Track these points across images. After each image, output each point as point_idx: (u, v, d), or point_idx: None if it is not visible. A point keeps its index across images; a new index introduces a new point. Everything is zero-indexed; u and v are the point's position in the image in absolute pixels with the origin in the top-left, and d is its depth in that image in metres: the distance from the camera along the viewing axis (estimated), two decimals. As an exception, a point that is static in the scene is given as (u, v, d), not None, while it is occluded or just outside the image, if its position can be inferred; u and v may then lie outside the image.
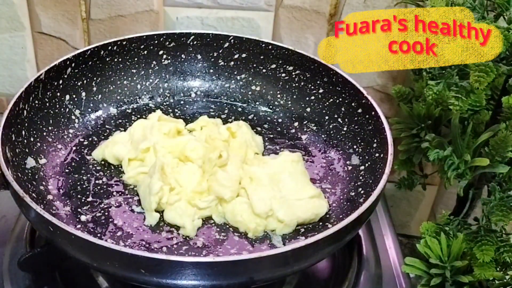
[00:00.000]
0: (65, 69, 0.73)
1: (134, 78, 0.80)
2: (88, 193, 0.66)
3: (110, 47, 0.76)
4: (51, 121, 0.71)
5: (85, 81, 0.75)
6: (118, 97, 0.79)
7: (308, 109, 0.78)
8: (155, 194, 0.62)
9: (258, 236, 0.62)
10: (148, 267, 0.51)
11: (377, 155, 0.67)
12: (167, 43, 0.79)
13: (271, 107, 0.80)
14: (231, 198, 0.63)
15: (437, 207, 0.99)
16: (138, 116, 0.77)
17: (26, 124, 0.67)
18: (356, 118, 0.73)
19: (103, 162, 0.70)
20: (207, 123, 0.74)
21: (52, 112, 0.72)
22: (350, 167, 0.71)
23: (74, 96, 0.75)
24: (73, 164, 0.70)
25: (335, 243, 0.56)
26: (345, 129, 0.74)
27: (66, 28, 0.85)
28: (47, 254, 0.61)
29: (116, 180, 0.68)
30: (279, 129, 0.78)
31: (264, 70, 0.80)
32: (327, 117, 0.76)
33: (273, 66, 0.80)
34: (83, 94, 0.76)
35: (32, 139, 0.68)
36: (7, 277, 0.65)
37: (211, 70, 0.82)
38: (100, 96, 0.77)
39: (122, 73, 0.79)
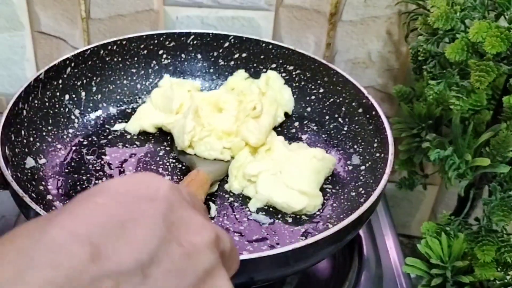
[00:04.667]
0: (64, 68, 0.73)
1: (134, 78, 0.79)
2: (87, 193, 0.66)
3: (110, 47, 0.76)
4: (50, 121, 0.71)
5: (84, 81, 0.75)
6: (118, 97, 0.79)
7: (309, 109, 0.78)
8: (188, 133, 0.66)
9: (237, 193, 0.67)
10: (148, 268, 0.50)
11: (377, 155, 0.67)
12: (167, 42, 0.79)
13: (271, 106, 0.80)
14: (255, 144, 0.68)
15: (438, 207, 0.98)
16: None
17: (25, 124, 0.67)
18: (356, 118, 0.72)
19: (103, 163, 0.70)
20: (237, 83, 0.77)
21: (51, 112, 0.72)
22: (350, 167, 0.71)
23: (73, 95, 0.74)
24: (72, 164, 0.69)
25: (335, 243, 0.56)
26: (345, 129, 0.74)
27: (66, 27, 0.85)
28: (46, 254, 0.61)
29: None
30: (279, 129, 0.77)
31: (264, 70, 0.80)
32: (327, 117, 0.76)
33: (273, 65, 0.79)
34: (83, 93, 0.75)
35: (31, 139, 0.68)
36: (6, 277, 0.65)
37: (211, 70, 0.82)
38: (99, 95, 0.77)
39: (122, 73, 0.79)
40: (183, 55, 0.81)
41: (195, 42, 0.80)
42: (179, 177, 0.68)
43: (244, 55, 0.80)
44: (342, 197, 0.67)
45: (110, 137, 0.74)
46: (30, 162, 0.66)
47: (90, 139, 0.73)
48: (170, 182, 0.34)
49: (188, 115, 0.68)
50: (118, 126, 0.75)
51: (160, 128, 0.75)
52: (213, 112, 0.71)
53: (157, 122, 0.74)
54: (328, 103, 0.76)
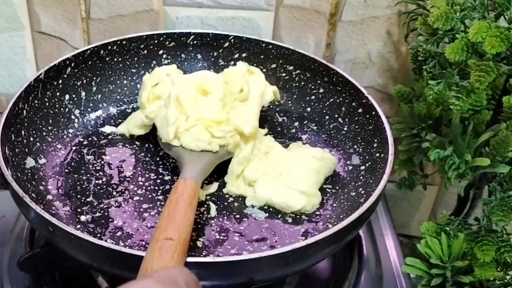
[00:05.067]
0: (64, 68, 0.73)
1: (134, 78, 0.80)
2: (88, 193, 0.66)
3: (110, 47, 0.76)
4: (50, 121, 0.71)
5: (84, 81, 0.75)
6: (118, 97, 0.79)
7: (309, 109, 0.78)
8: (172, 124, 0.63)
9: (234, 195, 0.66)
10: (148, 268, 0.50)
11: (377, 155, 0.67)
12: (167, 42, 0.79)
13: (271, 107, 0.80)
14: (250, 134, 0.64)
15: (438, 207, 0.98)
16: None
17: (25, 124, 0.67)
18: (356, 118, 0.72)
19: (103, 163, 0.70)
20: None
21: (51, 112, 0.72)
22: (350, 167, 0.71)
23: (73, 95, 0.74)
24: (72, 164, 0.69)
25: (335, 243, 0.56)
26: (345, 129, 0.74)
27: (66, 27, 0.85)
28: (47, 254, 0.61)
29: (116, 181, 0.68)
30: (279, 129, 0.77)
31: (264, 70, 0.80)
32: (327, 117, 0.76)
33: (273, 65, 0.79)
34: (83, 93, 0.75)
35: (31, 139, 0.68)
36: (6, 278, 0.65)
37: (211, 70, 0.81)
38: (100, 95, 0.77)
39: (122, 73, 0.79)
40: (183, 55, 0.81)
41: (195, 42, 0.80)
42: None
43: (244, 55, 0.80)
44: (342, 197, 0.67)
45: (110, 137, 0.74)
46: (30, 162, 0.66)
47: (90, 139, 0.73)
48: None
49: (169, 105, 0.64)
50: (108, 129, 0.75)
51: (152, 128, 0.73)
52: (197, 96, 0.66)
53: (139, 122, 0.71)
54: (328, 103, 0.76)
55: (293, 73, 0.79)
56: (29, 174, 0.65)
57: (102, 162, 0.70)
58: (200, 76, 0.69)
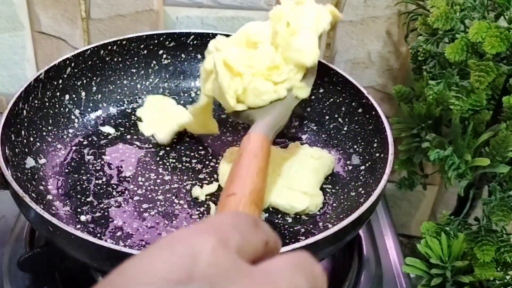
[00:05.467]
0: (64, 68, 0.73)
1: (134, 78, 0.80)
2: (88, 193, 0.66)
3: (110, 47, 0.76)
4: (50, 121, 0.71)
5: (84, 81, 0.75)
6: (118, 97, 0.79)
7: (308, 109, 0.78)
8: (227, 91, 0.59)
9: None
10: (148, 267, 0.50)
11: (377, 155, 0.67)
12: (167, 42, 0.79)
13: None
14: (313, 63, 0.60)
15: (438, 207, 0.98)
16: (138, 116, 0.77)
17: (25, 124, 0.67)
18: (356, 118, 0.72)
19: (103, 163, 0.70)
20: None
21: (51, 112, 0.72)
22: (350, 167, 0.71)
23: (73, 95, 0.74)
24: (72, 164, 0.69)
25: (335, 243, 0.56)
26: (345, 128, 0.74)
27: (66, 27, 0.85)
28: (46, 254, 0.61)
29: (116, 181, 0.68)
30: (279, 128, 0.77)
31: (264, 70, 0.80)
32: (327, 117, 0.76)
33: (273, 65, 0.79)
34: (83, 93, 0.75)
35: (31, 139, 0.68)
36: (6, 277, 0.65)
37: (211, 70, 0.81)
38: (100, 95, 0.77)
39: (122, 73, 0.79)
40: (183, 55, 0.81)
41: (195, 42, 0.80)
42: (179, 177, 0.68)
43: (244, 55, 0.80)
44: (342, 197, 0.67)
45: (110, 137, 0.74)
46: (30, 162, 0.66)
47: (90, 139, 0.73)
48: (213, 239, 0.26)
49: (218, 73, 0.59)
50: (107, 129, 0.75)
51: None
52: (249, 52, 0.62)
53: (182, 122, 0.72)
54: (328, 103, 0.76)
55: (293, 73, 0.79)
56: (29, 174, 0.65)
57: (102, 162, 0.70)
58: (243, 31, 0.64)
